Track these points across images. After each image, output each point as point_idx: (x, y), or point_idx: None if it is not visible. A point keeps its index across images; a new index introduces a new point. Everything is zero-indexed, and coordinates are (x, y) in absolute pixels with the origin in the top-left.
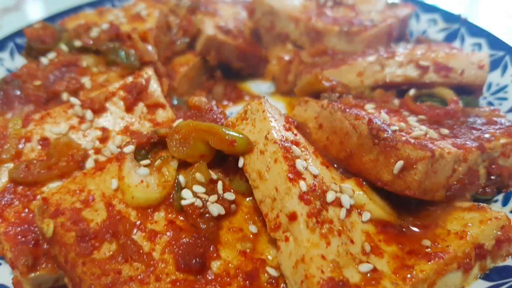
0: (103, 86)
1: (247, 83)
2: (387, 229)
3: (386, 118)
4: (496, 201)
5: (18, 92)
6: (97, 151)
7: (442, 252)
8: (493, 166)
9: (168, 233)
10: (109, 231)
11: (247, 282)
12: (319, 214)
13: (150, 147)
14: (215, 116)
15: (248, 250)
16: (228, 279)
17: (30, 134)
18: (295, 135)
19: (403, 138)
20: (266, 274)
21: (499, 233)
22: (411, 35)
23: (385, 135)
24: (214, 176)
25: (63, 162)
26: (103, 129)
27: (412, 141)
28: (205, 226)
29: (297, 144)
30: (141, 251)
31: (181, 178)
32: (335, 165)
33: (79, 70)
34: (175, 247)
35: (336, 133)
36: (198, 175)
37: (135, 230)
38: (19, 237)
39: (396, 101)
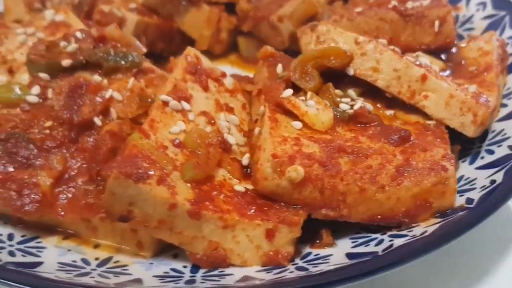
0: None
1: None
2: None
3: None
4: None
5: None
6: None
7: None
8: None
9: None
10: (334, 154)
11: None
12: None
13: None
14: None
15: None
16: None
17: (160, 143)
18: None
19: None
20: None
21: None
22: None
23: (412, 12)
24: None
25: (209, 149)
26: (205, 113)
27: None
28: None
29: None
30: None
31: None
32: None
33: (90, 88)
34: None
35: (367, 32)
36: (340, 92)
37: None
38: None
39: None
